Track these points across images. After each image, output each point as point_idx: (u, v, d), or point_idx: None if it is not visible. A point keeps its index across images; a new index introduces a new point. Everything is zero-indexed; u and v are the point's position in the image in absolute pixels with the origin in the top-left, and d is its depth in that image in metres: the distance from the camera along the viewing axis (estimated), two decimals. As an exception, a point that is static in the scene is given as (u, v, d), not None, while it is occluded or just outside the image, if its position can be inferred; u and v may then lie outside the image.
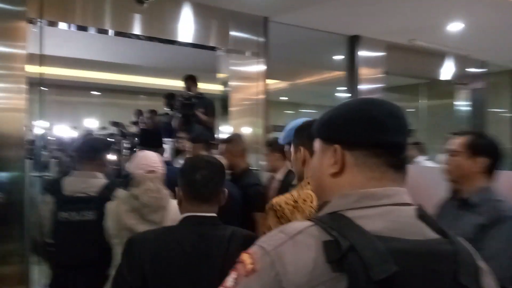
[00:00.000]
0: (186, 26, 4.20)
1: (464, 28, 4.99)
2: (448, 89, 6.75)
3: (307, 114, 11.83)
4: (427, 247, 0.72)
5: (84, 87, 10.88)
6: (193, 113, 4.83)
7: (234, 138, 3.19)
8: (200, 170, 1.48)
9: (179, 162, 4.37)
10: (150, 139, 3.10)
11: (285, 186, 2.50)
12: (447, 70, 6.23)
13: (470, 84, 6.49)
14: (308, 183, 1.44)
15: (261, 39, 4.57)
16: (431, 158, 5.70)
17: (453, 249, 0.73)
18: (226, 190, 1.56)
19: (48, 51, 5.40)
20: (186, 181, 1.49)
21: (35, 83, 3.68)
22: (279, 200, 1.47)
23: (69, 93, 10.94)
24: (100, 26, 3.88)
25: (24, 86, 3.36)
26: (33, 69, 3.60)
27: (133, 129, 6.38)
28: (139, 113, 6.38)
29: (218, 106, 4.82)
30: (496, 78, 7.01)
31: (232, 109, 4.51)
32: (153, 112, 5.90)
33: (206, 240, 1.39)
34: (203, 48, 4.39)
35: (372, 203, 0.74)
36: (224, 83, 4.68)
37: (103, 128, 7.45)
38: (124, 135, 6.00)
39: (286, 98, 11.77)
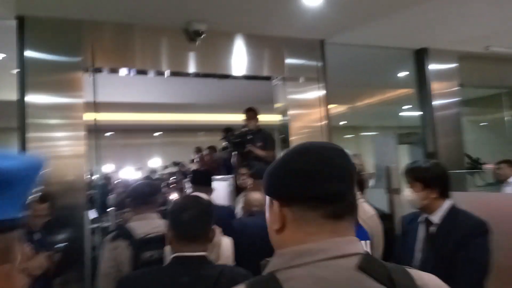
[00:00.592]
0: (239, 59, 4.04)
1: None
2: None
3: (367, 138, 11.21)
4: None
5: (146, 129, 11.22)
6: (248, 149, 4.63)
7: None
8: (187, 210, 1.51)
9: (241, 200, 4.11)
10: (199, 178, 3.20)
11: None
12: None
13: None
14: None
15: (319, 63, 4.29)
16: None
17: None
18: (215, 228, 1.60)
19: (110, 97, 5.54)
20: (174, 221, 1.51)
21: (97, 129, 3.68)
22: None
23: (133, 136, 11.34)
24: (156, 68, 3.83)
25: (82, 133, 3.36)
26: (96, 116, 3.62)
27: (194, 166, 6.28)
28: (198, 150, 6.27)
29: (277, 137, 4.54)
30: None
31: (292, 138, 4.20)
32: (211, 148, 5.76)
33: (194, 279, 1.40)
34: (258, 79, 4.19)
35: (306, 260, 0.72)
36: (283, 112, 4.40)
37: (166, 167, 7.51)
38: (184, 173, 5.91)
39: (345, 122, 11.28)
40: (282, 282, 0.70)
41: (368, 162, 9.19)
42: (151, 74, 3.94)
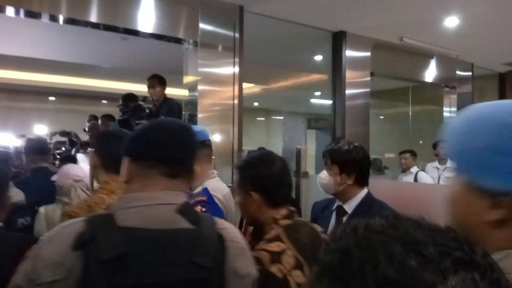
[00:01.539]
0: (148, 13, 3.46)
1: (459, 25, 4.45)
2: (435, 93, 6.25)
3: (277, 122, 11.20)
4: (168, 234, 0.90)
5: (38, 92, 9.84)
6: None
7: None
8: None
9: None
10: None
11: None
12: (435, 73, 5.71)
13: (457, 88, 6.01)
14: (102, 188, 1.53)
15: (236, 34, 3.86)
16: (422, 167, 5.17)
17: (196, 235, 0.92)
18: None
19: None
20: None
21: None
22: (72, 207, 1.54)
23: (21, 99, 9.89)
24: (51, 11, 3.06)
25: None
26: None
27: (86, 137, 5.47)
28: (92, 118, 5.46)
29: (184, 114, 4.04)
30: (483, 82, 6.58)
31: (200, 116, 3.74)
32: (106, 117, 5.04)
33: None
34: (168, 40, 3.65)
35: (139, 204, 0.93)
36: (192, 87, 3.91)
37: (53, 135, 6.55)
38: (73, 144, 5.10)
39: (257, 104, 11.09)
40: (117, 218, 0.90)
41: (277, 146, 9.15)
42: (45, 18, 3.17)
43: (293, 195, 2.96)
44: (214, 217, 1.02)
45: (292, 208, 1.36)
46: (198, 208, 1.70)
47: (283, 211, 1.31)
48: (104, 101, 10.10)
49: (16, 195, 2.42)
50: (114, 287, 0.80)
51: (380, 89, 6.65)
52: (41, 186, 2.57)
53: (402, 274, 0.38)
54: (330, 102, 4.97)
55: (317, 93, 7.51)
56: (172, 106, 3.95)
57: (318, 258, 0.45)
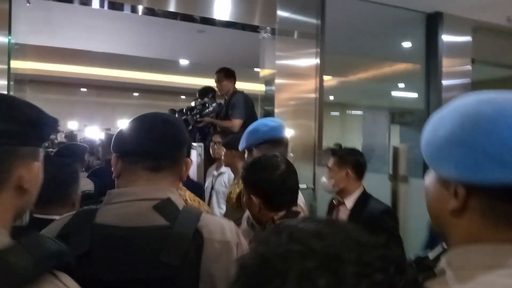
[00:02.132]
0: (225, 1, 3.23)
1: None
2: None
3: (354, 117, 10.51)
4: (138, 232, 0.89)
5: (122, 88, 10.33)
6: (204, 123, 3.92)
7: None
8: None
9: (213, 172, 3.43)
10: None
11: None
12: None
13: None
14: None
15: (318, 21, 3.48)
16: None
17: (167, 232, 0.88)
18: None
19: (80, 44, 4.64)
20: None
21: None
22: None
23: (107, 94, 10.45)
24: (132, 2, 2.99)
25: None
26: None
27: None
28: (172, 113, 5.48)
29: (261, 110, 3.78)
30: None
31: (278, 111, 3.44)
32: (171, 112, 4.98)
33: None
34: (244, 28, 3.39)
35: (119, 200, 0.95)
36: (269, 81, 3.62)
37: None
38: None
39: (332, 98, 10.50)
40: (97, 214, 0.93)
41: (355, 142, 8.56)
42: (126, 9, 3.12)
43: (389, 203, 2.54)
44: (200, 213, 0.97)
45: (296, 209, 1.32)
46: None
47: (282, 213, 1.30)
48: (182, 97, 10.30)
49: (86, 185, 2.58)
50: (83, 280, 0.77)
51: (483, 78, 5.82)
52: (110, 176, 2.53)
53: None
54: (416, 94, 4.40)
55: (401, 85, 6.83)
56: (236, 99, 3.71)
57: (240, 259, 0.44)
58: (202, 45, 4.98)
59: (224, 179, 3.26)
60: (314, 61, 3.46)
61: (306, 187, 3.08)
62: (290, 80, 3.46)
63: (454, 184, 0.63)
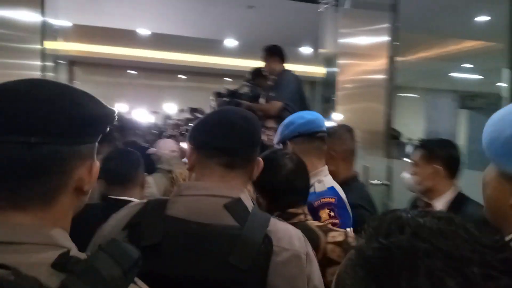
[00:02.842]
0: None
1: None
2: None
3: (413, 100, 9.64)
4: (209, 229, 0.85)
5: (170, 70, 10.16)
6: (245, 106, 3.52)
7: (337, 133, 2.01)
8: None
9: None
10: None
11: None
12: None
13: None
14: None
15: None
16: None
17: (237, 234, 0.84)
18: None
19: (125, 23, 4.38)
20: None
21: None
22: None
23: (155, 77, 10.33)
24: None
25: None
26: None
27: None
28: (218, 95, 5.10)
29: (320, 95, 3.31)
30: None
31: (340, 94, 2.95)
32: (216, 94, 4.61)
33: None
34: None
35: (190, 193, 0.92)
36: (329, 61, 3.14)
37: (181, 110, 6.59)
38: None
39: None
40: (168, 204, 0.89)
41: (415, 128, 7.84)
42: None
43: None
44: (269, 218, 0.91)
45: (294, 211, 1.23)
46: (326, 212, 1.46)
47: (276, 213, 1.19)
48: (227, 79, 9.96)
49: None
50: (148, 274, 0.67)
51: None
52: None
53: None
54: (489, 76, 3.72)
55: (470, 66, 6.05)
56: (280, 79, 3.27)
57: (358, 246, 0.44)
58: (252, 22, 4.55)
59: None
60: (385, 38, 2.92)
61: (379, 183, 2.61)
62: (356, 60, 2.96)
63: None
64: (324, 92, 3.14)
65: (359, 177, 2.11)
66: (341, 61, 2.90)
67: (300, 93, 3.31)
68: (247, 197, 0.95)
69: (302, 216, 1.22)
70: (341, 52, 2.89)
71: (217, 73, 9.90)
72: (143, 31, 6.74)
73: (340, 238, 1.16)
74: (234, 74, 8.87)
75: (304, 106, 3.20)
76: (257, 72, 3.80)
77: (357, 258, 0.43)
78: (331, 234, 1.17)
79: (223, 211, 0.88)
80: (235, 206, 0.89)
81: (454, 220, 0.42)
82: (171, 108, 9.12)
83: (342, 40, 2.87)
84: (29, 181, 0.57)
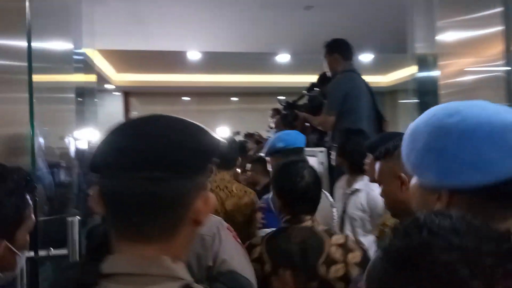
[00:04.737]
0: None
1: None
2: None
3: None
4: None
5: (222, 93, 9.73)
6: (298, 120, 2.88)
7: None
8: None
9: (343, 188, 2.31)
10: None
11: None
12: None
13: None
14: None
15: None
16: None
17: None
18: None
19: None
20: None
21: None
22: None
23: (208, 102, 9.95)
24: None
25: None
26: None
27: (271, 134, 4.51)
28: (277, 113, 4.36)
29: (408, 103, 2.48)
30: None
31: (444, 101, 2.10)
32: (275, 111, 3.92)
33: None
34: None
35: None
36: (423, 60, 2.31)
37: (237, 133, 6.04)
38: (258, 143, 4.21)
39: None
40: None
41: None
42: None
43: None
44: None
45: (308, 217, 1.28)
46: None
47: (288, 217, 1.31)
48: (280, 98, 9.30)
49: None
50: None
51: None
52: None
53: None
54: None
55: None
56: (329, 88, 2.53)
57: (384, 245, 0.50)
58: (310, 28, 3.82)
59: (361, 199, 2.11)
60: (499, 28, 2.05)
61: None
62: (463, 57, 2.10)
63: (437, 189, 0.67)
64: (421, 99, 2.31)
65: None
66: (443, 62, 2.07)
67: (352, 103, 2.52)
68: None
69: (310, 222, 1.28)
70: (442, 50, 2.06)
71: (270, 92, 9.26)
72: (193, 54, 6.30)
73: (342, 240, 1.24)
74: (288, 91, 8.19)
75: (357, 117, 2.49)
76: (322, 77, 3.06)
77: (383, 255, 0.48)
78: (335, 237, 1.24)
79: None
80: None
81: (465, 218, 0.48)
82: (224, 132, 8.62)
83: (443, 35, 2.04)
84: (153, 215, 0.58)
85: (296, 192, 1.28)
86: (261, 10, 3.36)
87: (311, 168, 1.37)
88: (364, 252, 1.24)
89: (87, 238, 1.48)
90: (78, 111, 1.91)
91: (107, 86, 8.72)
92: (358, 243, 1.30)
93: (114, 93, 9.49)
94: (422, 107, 2.30)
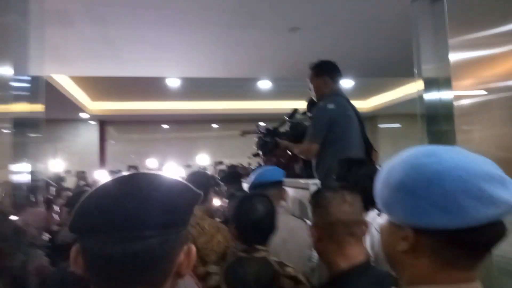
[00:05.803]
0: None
1: None
2: None
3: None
4: None
5: (202, 120, 9.32)
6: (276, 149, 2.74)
7: None
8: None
9: None
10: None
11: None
12: None
13: None
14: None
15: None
16: None
17: None
18: None
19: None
20: None
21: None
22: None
23: (187, 129, 9.51)
24: None
25: None
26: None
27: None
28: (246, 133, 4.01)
29: (423, 128, 2.12)
30: None
31: (465, 128, 1.76)
32: (244, 132, 3.57)
33: None
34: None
35: None
36: (431, 82, 1.99)
37: (219, 163, 5.62)
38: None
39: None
40: None
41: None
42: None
43: None
44: None
45: (263, 247, 1.34)
46: None
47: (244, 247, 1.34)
48: (262, 124, 8.97)
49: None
50: None
51: None
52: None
53: None
54: None
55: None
56: (314, 113, 2.30)
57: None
58: (295, 50, 3.50)
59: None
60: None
61: None
62: (483, 75, 1.78)
63: (404, 228, 0.65)
64: (431, 126, 1.97)
65: None
66: (458, 82, 1.75)
67: (339, 130, 2.18)
68: None
69: (264, 252, 1.32)
70: (457, 69, 1.74)
71: (251, 118, 8.92)
72: (172, 80, 5.92)
73: (293, 273, 1.28)
74: (270, 118, 7.87)
75: (344, 145, 2.17)
76: (311, 102, 2.70)
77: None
78: (287, 269, 1.29)
79: None
80: None
81: None
82: (204, 160, 8.16)
83: (456, 52, 1.73)
84: (139, 274, 0.57)
85: (251, 224, 1.35)
86: (243, 32, 3.02)
87: (268, 201, 1.43)
88: (313, 286, 1.28)
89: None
90: (18, 144, 1.49)
91: (82, 115, 8.18)
92: (307, 277, 1.33)
93: (89, 121, 8.94)
94: (430, 130, 1.96)
